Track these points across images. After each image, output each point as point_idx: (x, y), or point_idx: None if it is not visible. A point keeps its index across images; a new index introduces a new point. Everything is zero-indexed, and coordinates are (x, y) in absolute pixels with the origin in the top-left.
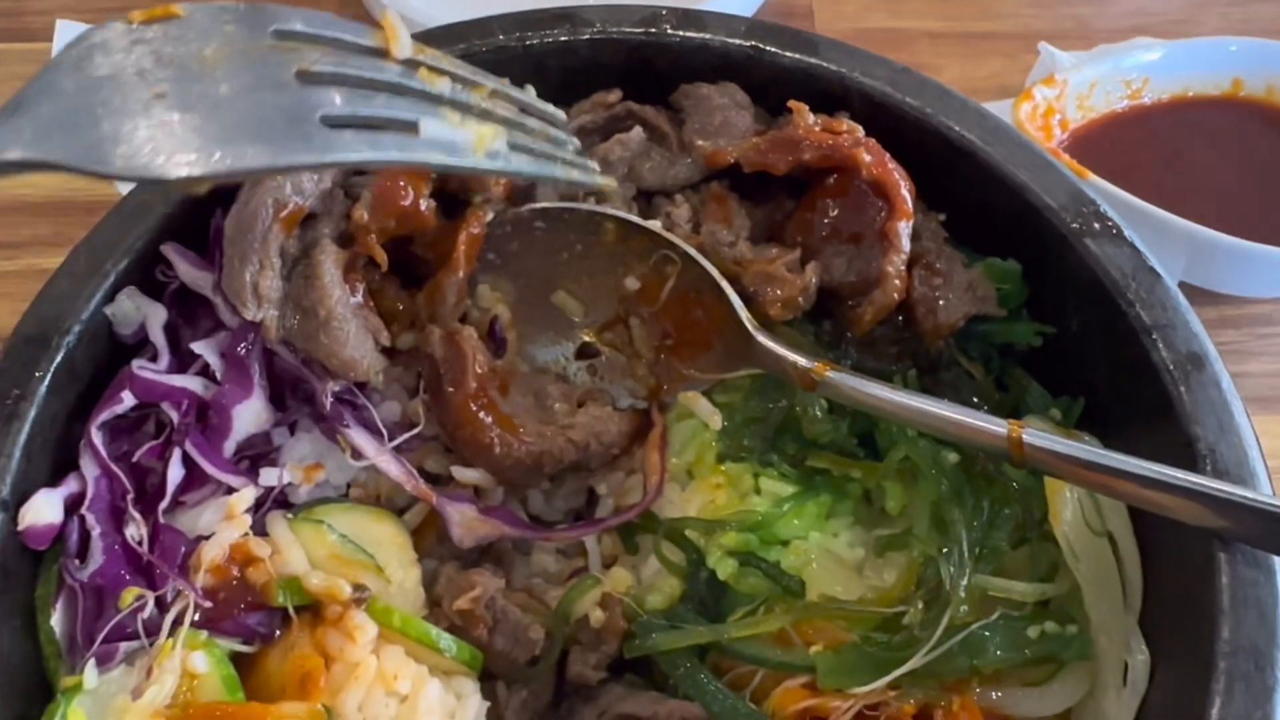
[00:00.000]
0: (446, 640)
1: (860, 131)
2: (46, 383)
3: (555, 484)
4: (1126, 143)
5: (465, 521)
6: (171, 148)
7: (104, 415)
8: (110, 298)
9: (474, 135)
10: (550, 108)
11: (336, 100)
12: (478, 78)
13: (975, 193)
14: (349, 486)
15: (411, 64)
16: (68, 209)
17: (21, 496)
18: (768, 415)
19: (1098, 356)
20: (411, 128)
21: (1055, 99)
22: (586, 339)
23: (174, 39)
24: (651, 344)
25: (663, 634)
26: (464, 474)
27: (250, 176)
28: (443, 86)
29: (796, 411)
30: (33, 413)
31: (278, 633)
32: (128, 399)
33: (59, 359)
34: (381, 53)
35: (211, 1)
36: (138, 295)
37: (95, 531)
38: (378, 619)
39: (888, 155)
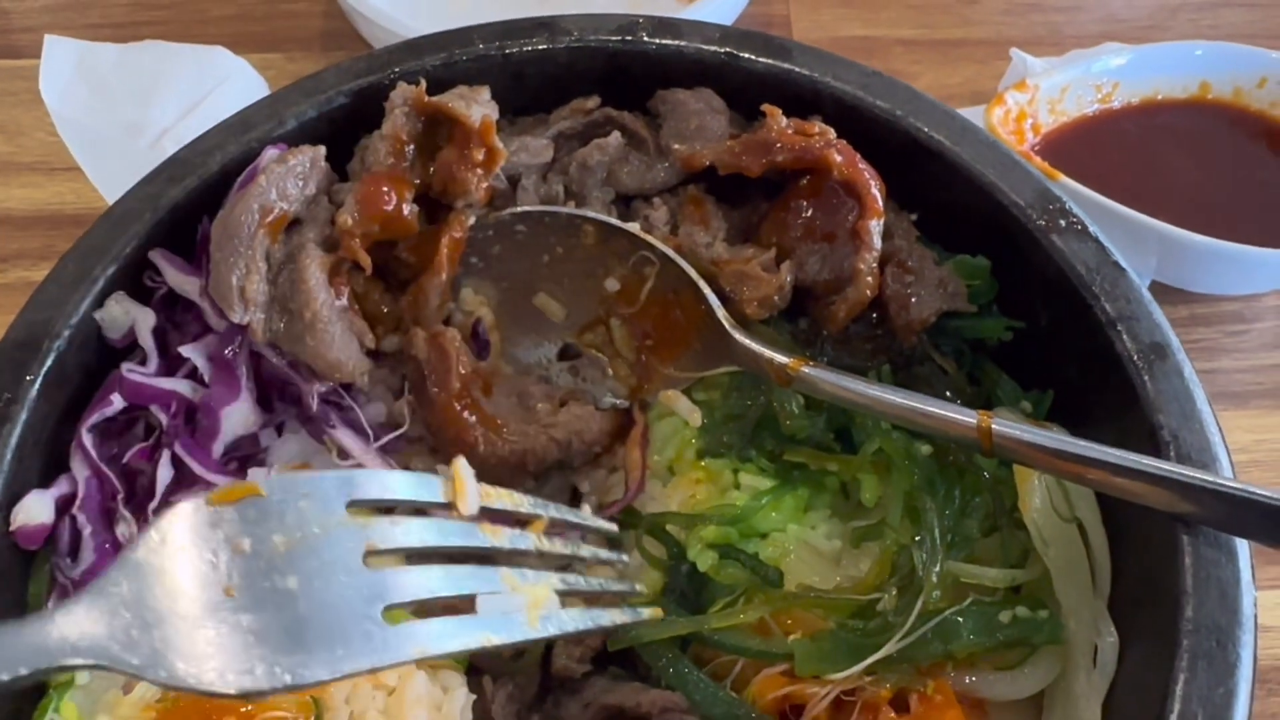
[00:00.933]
0: None
1: (832, 134)
2: (37, 386)
3: (539, 482)
4: (1097, 145)
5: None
6: (235, 665)
7: (94, 418)
8: (99, 303)
9: (528, 601)
10: (602, 524)
11: (400, 586)
12: (537, 509)
13: (945, 192)
14: None
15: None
16: (57, 221)
17: (13, 498)
18: (746, 412)
19: (1066, 349)
20: (469, 601)
21: (1027, 103)
22: (568, 340)
23: (251, 522)
24: (632, 344)
25: (644, 627)
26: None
27: (310, 689)
28: (502, 538)
29: (774, 408)
30: (23, 416)
31: None
32: (117, 401)
33: (49, 363)
34: (449, 505)
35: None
36: (126, 300)
37: (86, 531)
38: None
39: (858, 156)
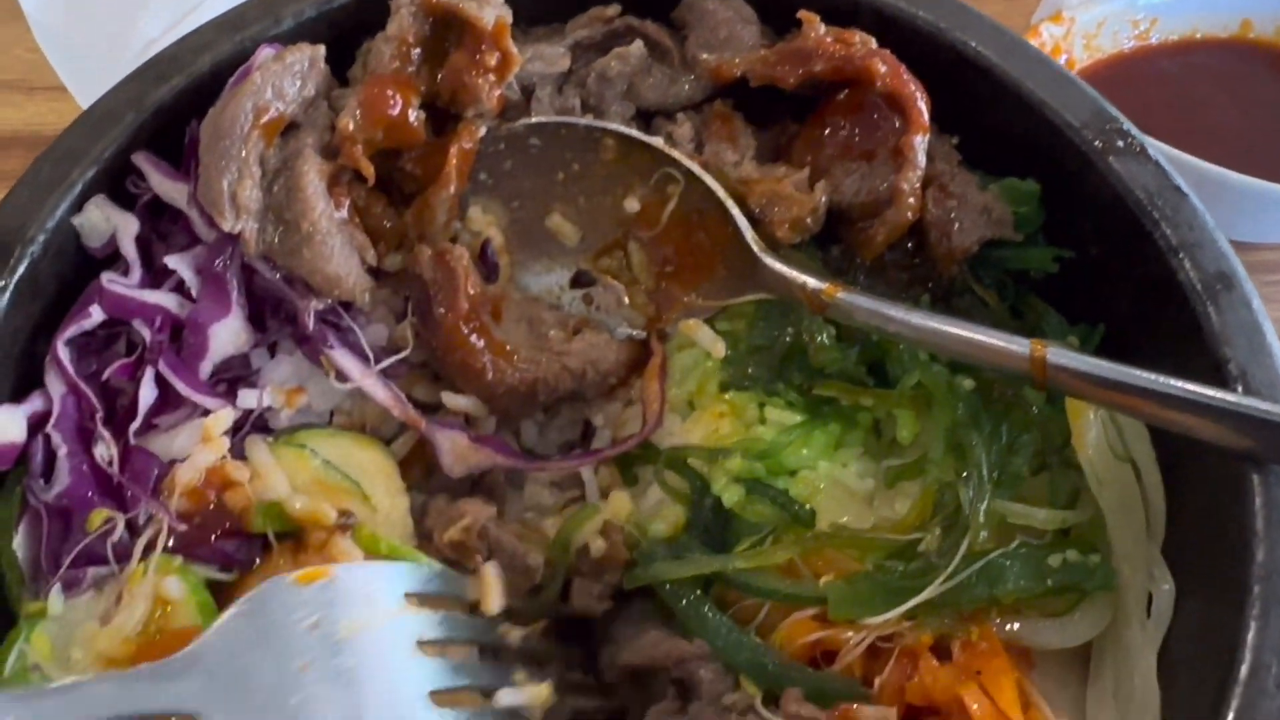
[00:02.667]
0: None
1: (874, 43)
2: (9, 295)
3: (549, 415)
4: (1134, 83)
5: (456, 449)
6: None
7: (71, 330)
8: (77, 208)
9: (536, 697)
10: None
11: (443, 674)
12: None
13: (990, 113)
14: (332, 415)
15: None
16: (36, 142)
17: None
18: (773, 344)
19: (1119, 280)
20: (489, 693)
21: (1062, 37)
22: (582, 266)
23: (324, 604)
24: (651, 270)
25: (665, 563)
26: (455, 401)
27: None
28: (514, 635)
29: (803, 340)
30: None
31: (257, 561)
32: (96, 314)
33: (22, 270)
34: (475, 606)
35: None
36: (107, 205)
37: (61, 451)
38: (364, 546)
39: (903, 66)
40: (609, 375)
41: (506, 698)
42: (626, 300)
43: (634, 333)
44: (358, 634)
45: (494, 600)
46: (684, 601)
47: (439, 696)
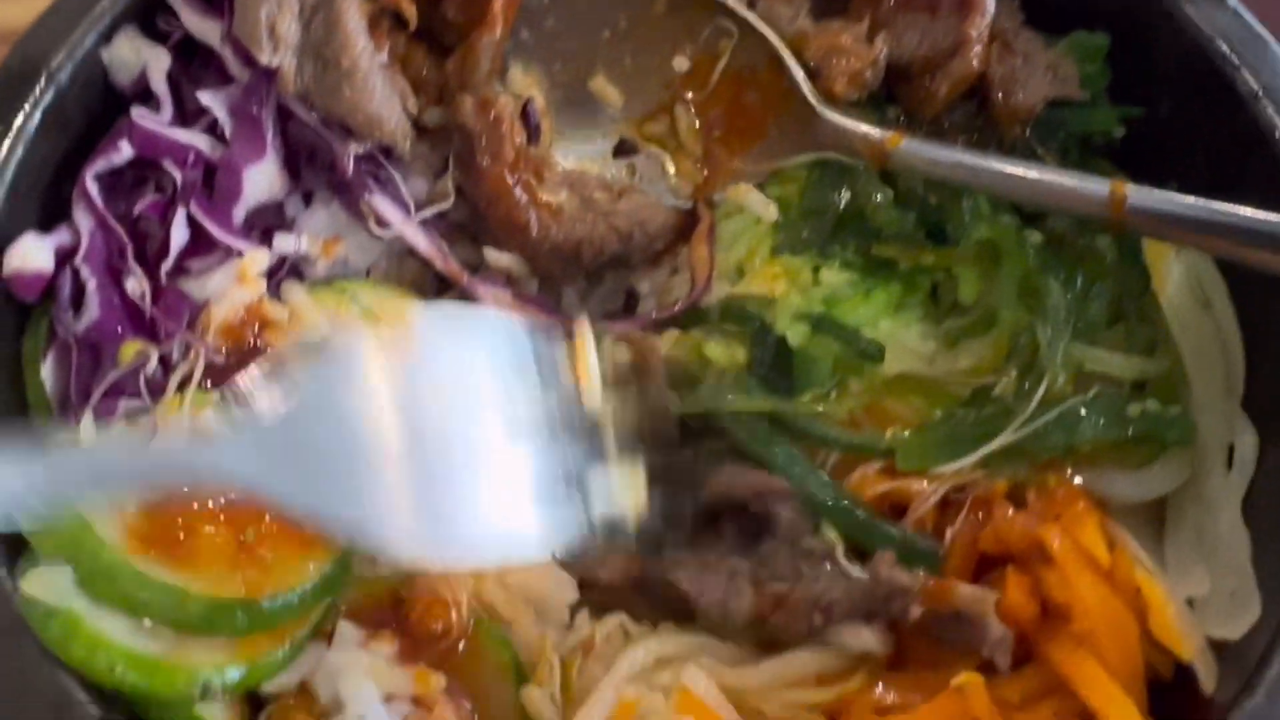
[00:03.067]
0: None
1: None
2: (36, 122)
3: (591, 283)
4: None
5: (498, 306)
6: (399, 526)
7: (99, 164)
8: (106, 39)
9: (631, 487)
10: None
11: (537, 464)
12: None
13: None
14: (368, 273)
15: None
16: None
17: (5, 241)
18: (827, 207)
19: (1192, 138)
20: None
21: None
22: (625, 134)
23: (408, 367)
24: (698, 135)
25: (730, 392)
26: (497, 258)
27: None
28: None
29: (859, 202)
30: (20, 152)
31: None
32: (125, 149)
33: (49, 99)
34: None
35: None
36: (138, 38)
37: (90, 284)
38: None
39: None
40: (656, 239)
41: (600, 485)
42: (672, 169)
43: (680, 203)
44: (445, 405)
45: (592, 393)
46: (756, 434)
47: (533, 481)
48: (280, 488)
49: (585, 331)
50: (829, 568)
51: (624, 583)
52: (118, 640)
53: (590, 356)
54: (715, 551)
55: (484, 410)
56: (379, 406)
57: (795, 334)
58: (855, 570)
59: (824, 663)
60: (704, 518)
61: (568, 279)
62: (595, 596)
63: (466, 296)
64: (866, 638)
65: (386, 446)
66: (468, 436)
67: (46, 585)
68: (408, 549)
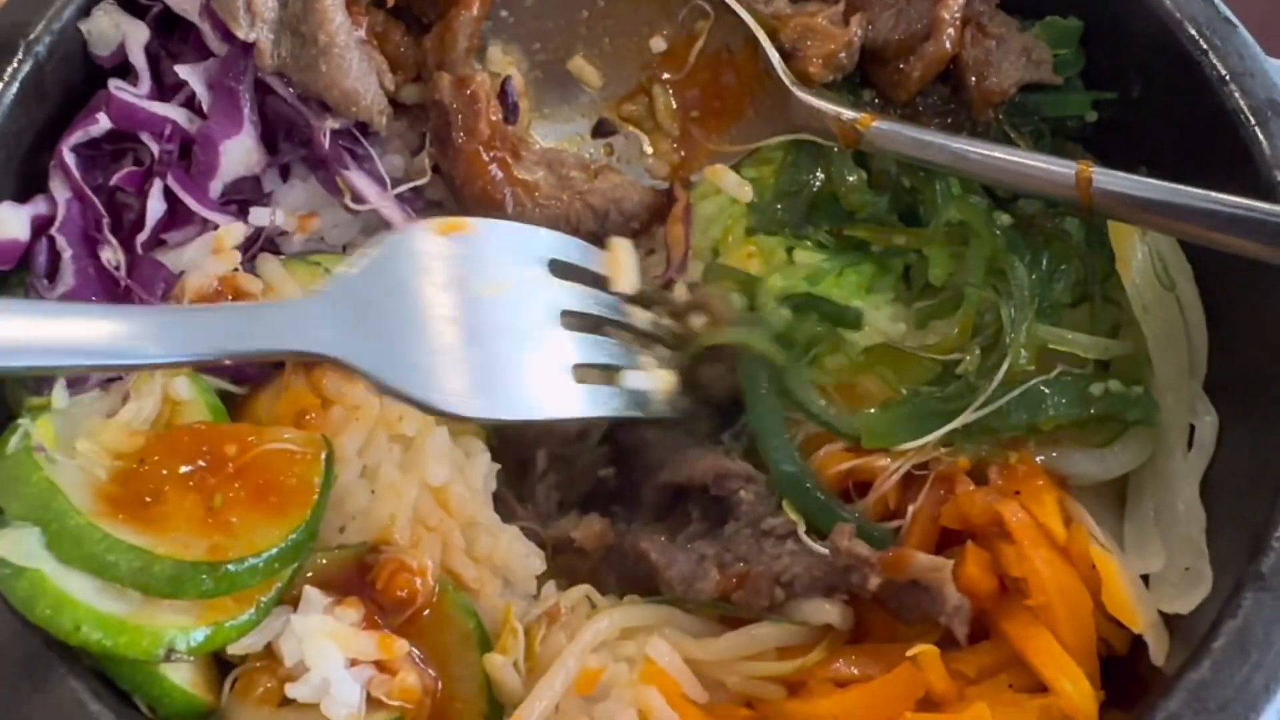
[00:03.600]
0: None
1: None
2: (13, 93)
3: None
4: None
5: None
6: (464, 390)
7: (77, 136)
8: (85, 12)
9: (660, 383)
10: None
11: (586, 349)
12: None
13: None
14: (345, 249)
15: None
16: None
17: None
18: (801, 188)
19: (1162, 119)
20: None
21: None
22: (604, 114)
23: (468, 260)
24: (676, 115)
25: (751, 329)
26: None
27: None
28: (642, 319)
29: (833, 184)
30: None
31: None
32: (103, 122)
33: (26, 70)
34: (608, 281)
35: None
36: (116, 11)
37: (66, 254)
38: None
39: None
40: (631, 218)
41: (634, 379)
42: (649, 149)
43: (657, 183)
44: (504, 294)
45: (627, 277)
46: (762, 386)
47: (576, 370)
48: (349, 346)
49: (623, 244)
50: (790, 545)
51: (596, 548)
52: (83, 600)
53: (628, 260)
54: (684, 534)
55: (528, 293)
56: (435, 279)
57: (779, 318)
58: (817, 547)
59: (785, 636)
60: (669, 500)
61: None
62: (566, 562)
63: None
64: (828, 611)
65: (442, 311)
66: (514, 311)
67: (13, 545)
68: (458, 403)
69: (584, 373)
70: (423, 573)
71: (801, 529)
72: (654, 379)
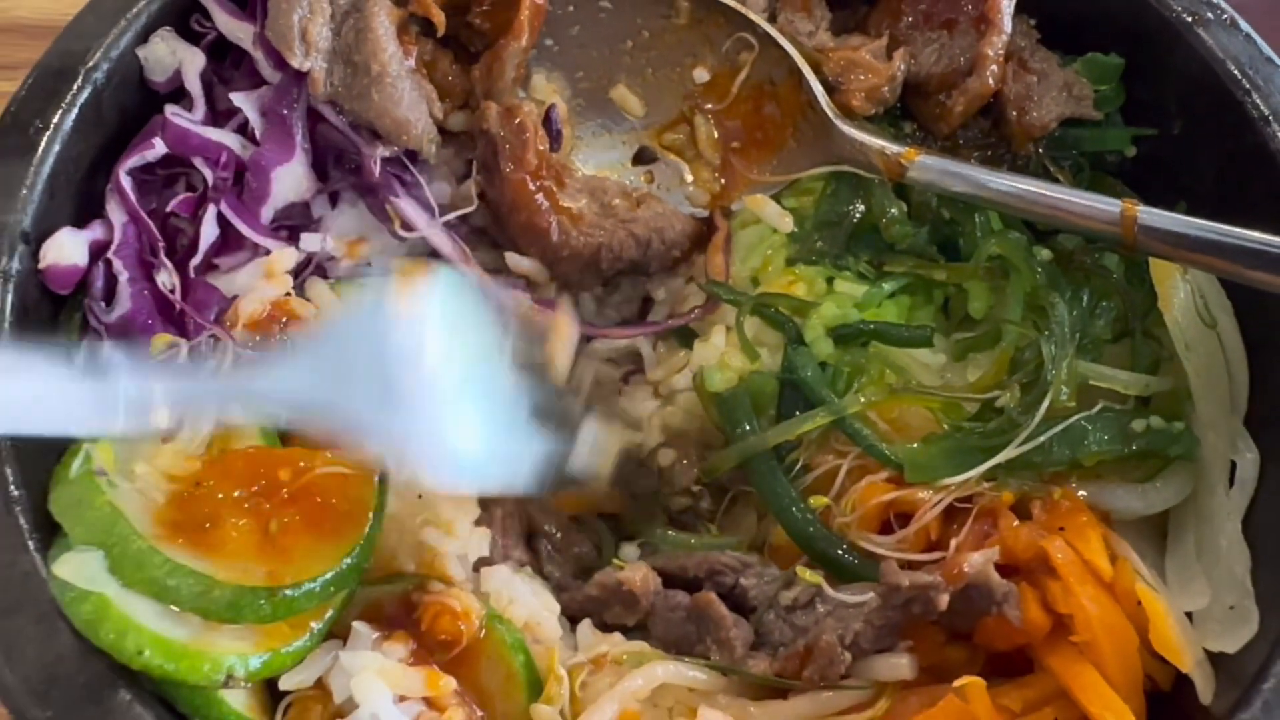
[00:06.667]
0: None
1: None
2: (72, 119)
3: (608, 290)
4: None
5: (519, 310)
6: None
7: (133, 160)
8: (142, 39)
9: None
10: None
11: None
12: None
13: None
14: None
15: None
16: None
17: (43, 234)
18: (842, 219)
19: (1202, 158)
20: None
21: None
22: (645, 142)
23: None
24: (717, 145)
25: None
26: (518, 262)
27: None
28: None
29: (873, 215)
30: (56, 148)
31: None
32: (159, 146)
33: (85, 97)
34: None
35: None
36: (173, 38)
37: (123, 277)
38: None
39: None
40: (673, 247)
41: (587, 435)
42: (689, 178)
43: (696, 211)
44: (467, 345)
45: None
46: (763, 469)
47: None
48: (315, 400)
49: (566, 315)
50: (821, 608)
51: (646, 592)
52: (146, 624)
53: (567, 336)
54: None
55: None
56: (395, 342)
57: (823, 348)
58: (851, 598)
59: (851, 696)
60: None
61: (585, 285)
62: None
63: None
64: (901, 666)
65: (404, 374)
66: (464, 376)
67: (78, 569)
68: (412, 460)
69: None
70: (466, 616)
71: (825, 585)
72: (605, 435)
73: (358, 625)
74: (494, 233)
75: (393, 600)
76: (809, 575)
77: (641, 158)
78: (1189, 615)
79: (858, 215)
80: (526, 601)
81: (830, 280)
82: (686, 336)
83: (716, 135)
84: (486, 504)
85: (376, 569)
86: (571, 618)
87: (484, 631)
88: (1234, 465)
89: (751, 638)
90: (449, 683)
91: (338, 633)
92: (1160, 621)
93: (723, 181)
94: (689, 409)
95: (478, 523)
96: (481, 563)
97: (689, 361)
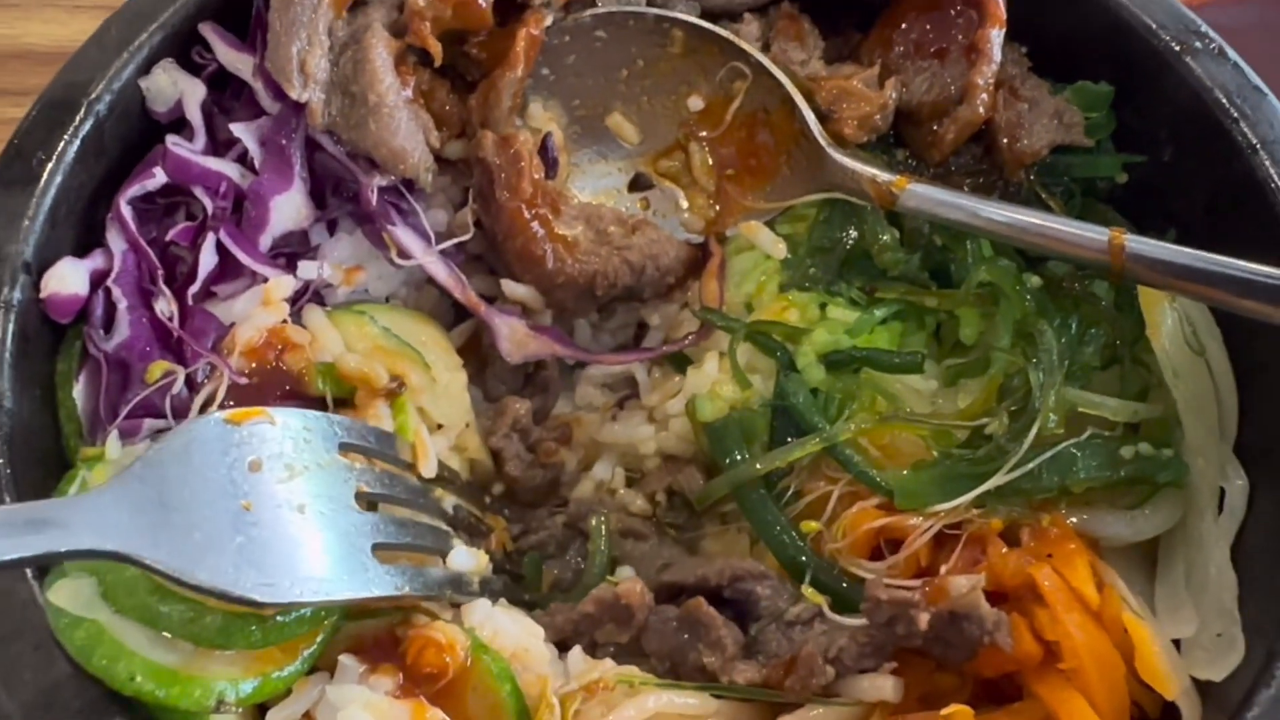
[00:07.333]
0: None
1: None
2: (75, 150)
3: (603, 316)
4: None
5: (515, 336)
6: (252, 575)
7: (134, 189)
8: (145, 70)
9: (476, 566)
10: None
11: (388, 530)
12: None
13: (1062, 17)
14: (388, 301)
15: (430, 482)
16: None
17: (44, 264)
18: (834, 246)
19: (1192, 183)
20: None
21: None
22: (641, 169)
23: (263, 445)
24: (711, 172)
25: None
26: (513, 289)
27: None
28: (448, 503)
29: (866, 242)
30: (59, 179)
31: None
32: (159, 175)
33: (88, 128)
34: (410, 465)
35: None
36: (175, 70)
37: (122, 305)
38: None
39: None
40: (668, 273)
41: (453, 561)
42: (685, 204)
43: (691, 237)
44: (300, 477)
45: (427, 464)
46: (752, 497)
47: (382, 553)
48: (154, 551)
49: (422, 429)
50: (820, 626)
51: (641, 606)
52: (138, 650)
53: (427, 446)
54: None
55: (324, 477)
56: (226, 467)
57: (814, 374)
58: (847, 621)
59: (836, 717)
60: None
61: (581, 311)
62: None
63: (483, 325)
64: (883, 687)
65: (231, 497)
66: (309, 494)
67: (72, 596)
68: (249, 587)
69: (388, 554)
70: (451, 648)
71: (826, 606)
72: (469, 559)
73: (344, 659)
74: (490, 259)
75: (378, 633)
76: (812, 595)
77: (637, 184)
78: (1176, 643)
79: (850, 241)
80: (510, 631)
81: (823, 306)
82: (681, 361)
83: (711, 162)
84: None
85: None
86: (561, 643)
87: (470, 662)
88: (1223, 492)
89: (742, 639)
90: (436, 715)
91: (324, 666)
92: (1146, 650)
93: (717, 208)
94: (683, 434)
95: None
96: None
97: (684, 386)
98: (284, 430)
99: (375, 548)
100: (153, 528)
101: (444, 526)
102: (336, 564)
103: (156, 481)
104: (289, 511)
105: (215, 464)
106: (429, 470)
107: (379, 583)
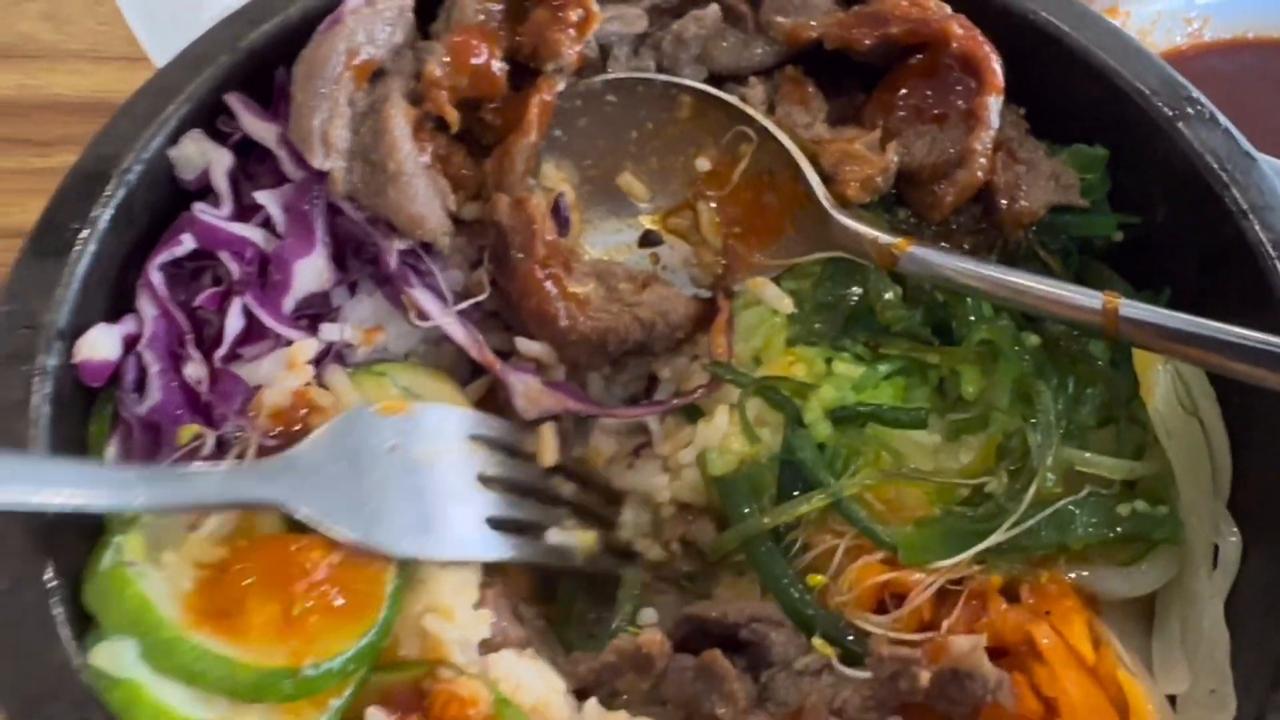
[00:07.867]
0: None
1: (948, 8)
2: (107, 219)
3: (615, 369)
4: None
5: (529, 392)
6: (398, 534)
7: (163, 256)
8: (172, 141)
9: (579, 542)
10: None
11: (501, 505)
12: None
13: (1059, 81)
14: (407, 358)
15: (551, 470)
16: (104, 109)
17: (77, 331)
18: (839, 302)
19: (1186, 246)
20: (541, 529)
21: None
22: (650, 226)
23: (402, 432)
24: (719, 230)
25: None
26: (527, 347)
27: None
28: (568, 490)
29: (869, 299)
30: (92, 247)
31: None
32: (188, 242)
33: (120, 197)
34: (533, 456)
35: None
36: (202, 139)
37: (153, 369)
38: None
39: (978, 29)
40: (677, 328)
41: (554, 536)
42: (694, 260)
43: (700, 291)
44: (429, 460)
45: (549, 454)
46: (761, 549)
47: (494, 523)
48: (299, 498)
49: (548, 426)
50: (828, 678)
51: (662, 655)
52: (177, 708)
53: (550, 440)
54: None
55: (455, 460)
56: (376, 449)
57: (821, 430)
58: (855, 673)
59: None
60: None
61: (593, 366)
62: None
63: (499, 382)
64: None
65: (381, 472)
66: (443, 474)
67: (112, 658)
68: (391, 542)
69: (505, 526)
70: (474, 702)
71: (835, 659)
72: (573, 537)
73: (372, 712)
74: (505, 317)
75: (404, 687)
76: (822, 646)
77: (647, 240)
78: (1174, 698)
79: (854, 298)
80: (532, 685)
81: (829, 361)
82: (692, 411)
83: (718, 221)
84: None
85: (382, 656)
86: (580, 692)
87: (492, 716)
88: (1217, 548)
89: (755, 692)
90: None
91: (351, 719)
92: (1140, 708)
93: (725, 264)
94: (696, 484)
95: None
96: (484, 646)
97: (694, 437)
98: (422, 420)
99: (493, 522)
100: (312, 492)
101: (556, 509)
102: (454, 531)
103: (317, 459)
104: (415, 488)
105: (363, 446)
106: (548, 460)
107: (494, 548)
